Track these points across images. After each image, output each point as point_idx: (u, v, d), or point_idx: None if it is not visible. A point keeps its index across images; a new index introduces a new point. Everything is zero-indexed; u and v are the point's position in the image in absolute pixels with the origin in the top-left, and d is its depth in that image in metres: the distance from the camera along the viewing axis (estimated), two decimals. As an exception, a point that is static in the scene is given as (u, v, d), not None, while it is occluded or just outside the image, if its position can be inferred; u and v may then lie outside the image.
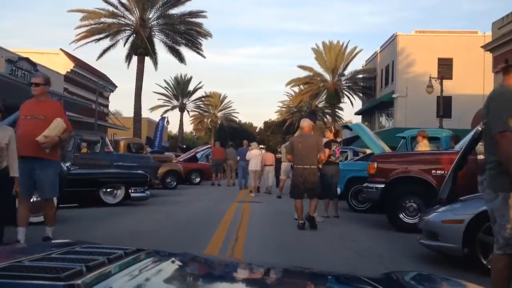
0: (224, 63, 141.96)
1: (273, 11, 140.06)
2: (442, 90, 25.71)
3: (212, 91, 75.79)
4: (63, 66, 30.44)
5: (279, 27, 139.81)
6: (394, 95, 41.96)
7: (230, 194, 17.76)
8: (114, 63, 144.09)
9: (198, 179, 23.10)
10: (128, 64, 36.62)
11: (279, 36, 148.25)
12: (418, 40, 42.29)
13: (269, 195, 17.59)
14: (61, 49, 31.71)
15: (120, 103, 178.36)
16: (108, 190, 11.96)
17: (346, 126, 12.77)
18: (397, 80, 42.31)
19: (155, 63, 36.54)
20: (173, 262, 1.75)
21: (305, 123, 9.98)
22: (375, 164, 8.94)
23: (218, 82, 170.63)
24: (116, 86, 40.15)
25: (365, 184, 9.27)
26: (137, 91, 34.29)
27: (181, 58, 37.00)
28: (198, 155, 29.61)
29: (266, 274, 1.86)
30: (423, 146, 10.42)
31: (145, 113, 74.29)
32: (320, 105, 63.72)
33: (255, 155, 17.65)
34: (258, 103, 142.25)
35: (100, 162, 14.67)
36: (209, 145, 32.66)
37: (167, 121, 45.98)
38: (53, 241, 2.37)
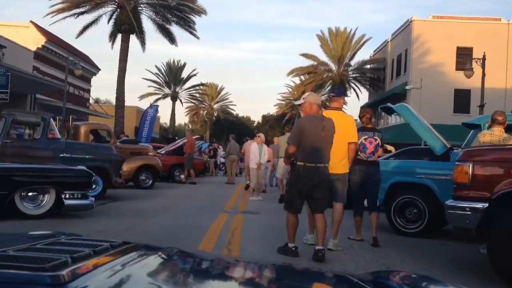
0: (222, 57, 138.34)
1: (276, 6, 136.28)
2: (484, 75, 21.52)
3: (209, 81, 71.96)
4: (33, 41, 26.31)
5: (281, 23, 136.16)
6: (407, 87, 38.04)
7: (219, 198, 13.77)
8: (102, 46, 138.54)
9: (182, 176, 19.06)
10: (112, 44, 32.45)
11: (281, 32, 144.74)
12: (435, 27, 38.28)
13: (266, 196, 14.70)
14: (31, 22, 27.51)
15: (108, 91, 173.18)
16: (29, 194, 7.91)
17: (385, 108, 8.86)
18: (410, 70, 38.36)
19: (143, 43, 32.42)
20: (159, 256, 1.74)
21: (312, 97, 6.29)
22: (471, 167, 4.89)
23: (216, 76, 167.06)
24: (99, 69, 35.97)
25: (449, 202, 5.17)
26: (120, 73, 30.17)
27: (171, 39, 32.86)
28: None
29: (257, 272, 1.80)
30: (497, 132, 6.44)
31: (134, 102, 70.27)
32: (323, 97, 59.75)
33: (255, 149, 14.66)
34: (256, 98, 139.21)
35: (38, 152, 10.65)
36: (197, 136, 28.69)
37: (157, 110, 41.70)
38: (38, 232, 1.89)
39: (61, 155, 10.93)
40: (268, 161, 15.31)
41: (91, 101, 35.66)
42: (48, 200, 7.98)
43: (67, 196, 7.94)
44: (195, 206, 11.44)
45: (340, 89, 8.79)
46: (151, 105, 32.56)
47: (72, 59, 24.60)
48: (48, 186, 7.96)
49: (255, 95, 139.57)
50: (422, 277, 2.09)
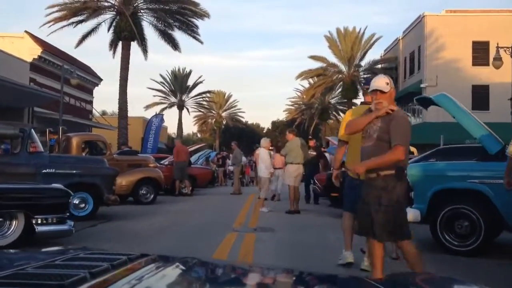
0: (228, 66, 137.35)
1: (278, 13, 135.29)
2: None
3: (216, 89, 70.64)
4: (29, 52, 25.03)
5: (285, 29, 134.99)
6: (422, 85, 36.38)
7: (228, 212, 12.30)
8: (104, 57, 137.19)
9: (188, 187, 17.61)
10: (114, 53, 31.25)
11: (285, 38, 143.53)
12: (448, 21, 36.67)
13: (279, 205, 13.41)
14: (26, 32, 26.24)
15: (114, 103, 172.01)
16: (-7, 220, 6.47)
17: (422, 100, 7.33)
18: (425, 67, 36.75)
19: (145, 50, 31.14)
20: (178, 267, 1.73)
21: (381, 80, 4.56)
22: None
23: (224, 86, 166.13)
24: (101, 79, 34.67)
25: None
26: (122, 81, 28.88)
27: (174, 45, 31.51)
28: (195, 158, 24.14)
29: (274, 278, 1.83)
30: None
31: (141, 112, 69.10)
32: (333, 101, 58.22)
33: (266, 157, 13.74)
34: (265, 105, 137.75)
35: (18, 168, 9.23)
36: (203, 144, 27.28)
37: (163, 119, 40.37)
38: (56, 248, 1.95)
39: (44, 170, 9.50)
40: (280, 168, 14.15)
41: (94, 112, 34.40)
42: (15, 227, 6.52)
43: (39, 222, 6.47)
44: (199, 224, 9.93)
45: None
46: (156, 114, 31.25)
47: (68, 67, 23.22)
48: (15, 211, 6.50)
49: (264, 102, 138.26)
50: (445, 278, 2.07)
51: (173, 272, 1.63)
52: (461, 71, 35.98)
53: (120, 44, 29.76)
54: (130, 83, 56.65)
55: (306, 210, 12.68)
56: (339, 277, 2.03)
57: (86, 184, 9.93)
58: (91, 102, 34.01)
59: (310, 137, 16.97)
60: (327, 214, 11.89)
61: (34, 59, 25.56)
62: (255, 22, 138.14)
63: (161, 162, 18.20)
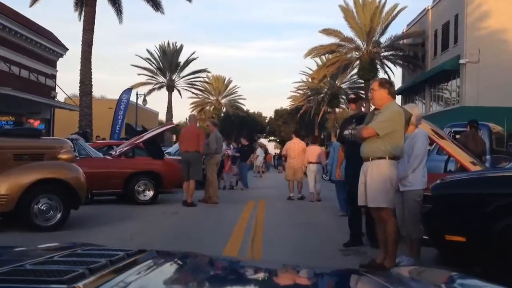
0: (232, 56, 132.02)
1: (283, 4, 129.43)
2: None
3: (215, 74, 64.19)
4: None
5: (290, 20, 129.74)
6: (461, 61, 29.87)
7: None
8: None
9: (149, 193, 11.15)
10: (80, 14, 24.70)
11: (290, 30, 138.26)
12: (494, -17, 29.99)
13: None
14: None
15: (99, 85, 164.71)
16: None
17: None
18: (464, 40, 30.15)
19: (119, 11, 24.59)
20: (176, 262, 1.72)
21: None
22: None
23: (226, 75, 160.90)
24: (67, 49, 28.12)
25: None
26: (84, 47, 22.34)
27: (155, 4, 24.94)
28: (172, 149, 17.62)
29: (274, 273, 1.77)
30: None
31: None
32: (344, 85, 51.59)
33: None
34: (268, 96, 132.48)
35: None
36: (174, 123, 20.82)
37: (144, 100, 33.85)
38: (54, 244, 1.95)
39: None
40: (319, 162, 12.54)
41: (61, 92, 27.87)
42: None
43: None
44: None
45: None
46: (125, 90, 24.67)
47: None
48: None
49: (266, 93, 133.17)
50: (456, 274, 1.95)
51: (171, 267, 1.63)
52: (509, 44, 29.43)
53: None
54: (120, 71, 50.16)
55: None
56: (334, 271, 1.95)
57: None
58: (53, 77, 27.40)
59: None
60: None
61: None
62: (260, 13, 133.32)
63: (112, 152, 11.76)
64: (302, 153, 13.06)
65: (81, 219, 8.60)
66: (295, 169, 13.20)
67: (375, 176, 4.95)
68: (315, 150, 12.66)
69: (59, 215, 7.40)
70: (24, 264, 1.39)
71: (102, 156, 11.22)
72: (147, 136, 12.11)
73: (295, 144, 13.45)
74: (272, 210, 10.85)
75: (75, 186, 7.51)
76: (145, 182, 11.24)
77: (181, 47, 45.57)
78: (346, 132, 6.47)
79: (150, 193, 11.24)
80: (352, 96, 6.81)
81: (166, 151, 17.22)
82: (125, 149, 11.77)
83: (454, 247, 4.37)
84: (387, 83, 5.26)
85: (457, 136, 10.58)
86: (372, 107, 5.41)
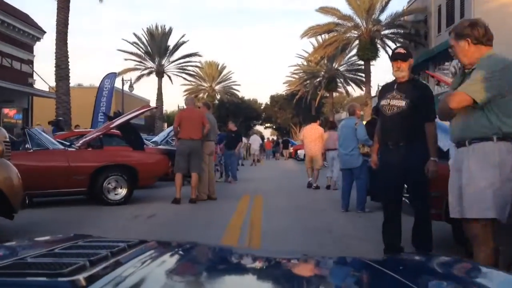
0: (227, 40, 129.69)
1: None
2: None
3: (208, 60, 62.07)
4: None
5: (284, 8, 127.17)
6: (468, 37, 27.74)
7: None
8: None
9: (121, 191, 9.22)
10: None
11: (287, 16, 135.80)
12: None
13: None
14: None
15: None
16: None
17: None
18: (472, 13, 28.14)
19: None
20: (177, 252, 1.67)
21: None
22: None
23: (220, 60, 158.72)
24: (44, 32, 25.98)
25: None
26: (59, 27, 20.20)
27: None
28: (158, 138, 15.61)
29: (280, 263, 1.70)
30: None
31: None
32: (342, 68, 49.52)
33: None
34: (263, 82, 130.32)
35: None
36: (152, 106, 18.80)
37: (131, 86, 31.75)
38: (55, 236, 1.89)
39: None
40: (334, 149, 10.96)
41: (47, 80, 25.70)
42: None
43: None
44: None
45: None
46: (107, 74, 22.57)
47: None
48: None
49: (261, 79, 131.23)
50: (456, 260, 1.93)
51: (173, 258, 1.59)
52: (521, 19, 27.52)
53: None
54: (112, 61, 47.88)
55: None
56: (339, 259, 1.84)
57: None
58: (30, 62, 25.27)
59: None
60: None
61: None
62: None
63: (75, 144, 9.79)
64: (319, 139, 12.61)
65: (25, 227, 6.67)
66: (313, 156, 12.80)
67: (476, 168, 3.15)
68: (334, 136, 11.43)
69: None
70: (25, 257, 1.36)
71: (62, 148, 9.24)
72: (119, 121, 10.11)
73: (312, 129, 13.01)
74: (272, 210, 8.89)
75: (5, 191, 5.53)
76: (116, 178, 9.28)
77: (170, 29, 43.26)
78: (383, 102, 4.51)
79: (122, 191, 9.29)
80: (401, 50, 4.61)
81: (152, 140, 15.26)
82: (89, 138, 9.77)
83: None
84: (468, 27, 3.32)
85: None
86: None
